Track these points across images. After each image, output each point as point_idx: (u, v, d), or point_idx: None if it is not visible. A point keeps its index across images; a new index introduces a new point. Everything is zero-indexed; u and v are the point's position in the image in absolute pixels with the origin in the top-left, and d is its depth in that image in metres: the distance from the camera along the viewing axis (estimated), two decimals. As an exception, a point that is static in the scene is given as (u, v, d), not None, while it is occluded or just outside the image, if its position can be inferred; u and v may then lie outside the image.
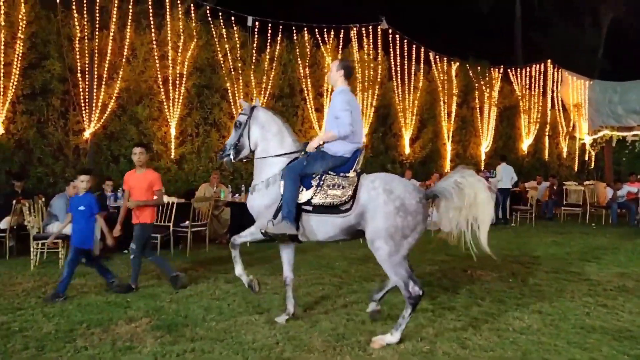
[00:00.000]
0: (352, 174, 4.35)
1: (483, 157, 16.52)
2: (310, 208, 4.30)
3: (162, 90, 10.46)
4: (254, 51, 11.93)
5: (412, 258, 7.51)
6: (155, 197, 6.01)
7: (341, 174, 4.34)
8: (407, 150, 14.42)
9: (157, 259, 6.16)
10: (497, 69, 16.91)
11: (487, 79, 16.53)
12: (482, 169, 14.66)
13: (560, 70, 18.75)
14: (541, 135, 18.39)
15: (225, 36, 11.39)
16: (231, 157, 4.62)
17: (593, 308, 5.19)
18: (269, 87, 12.04)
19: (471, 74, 16.12)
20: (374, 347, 4.03)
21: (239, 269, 4.61)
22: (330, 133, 4.43)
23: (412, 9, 19.05)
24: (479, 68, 16.31)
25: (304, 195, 4.30)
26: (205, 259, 7.74)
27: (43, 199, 7.46)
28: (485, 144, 16.54)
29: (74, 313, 4.87)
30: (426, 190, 4.42)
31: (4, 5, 8.95)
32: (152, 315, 4.80)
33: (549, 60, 18.43)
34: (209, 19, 11.26)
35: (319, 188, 4.28)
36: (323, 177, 4.31)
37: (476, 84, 16.26)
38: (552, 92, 18.67)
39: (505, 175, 12.78)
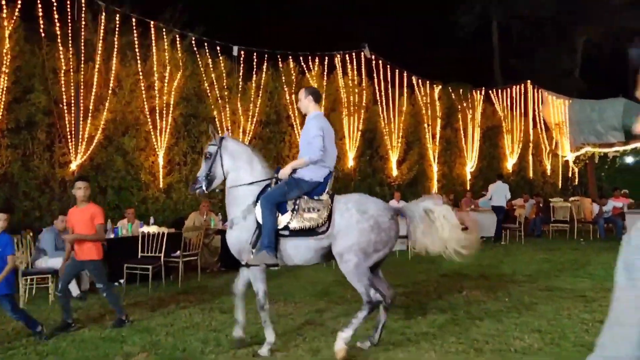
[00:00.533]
0: (325, 196, 4.49)
1: (469, 177, 16.70)
2: (287, 233, 4.38)
3: (149, 120, 10.44)
4: (239, 80, 12.02)
5: (405, 279, 7.59)
6: (96, 232, 5.62)
7: (314, 197, 4.46)
8: (395, 172, 14.51)
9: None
10: (478, 91, 17.23)
11: (469, 101, 16.82)
12: (467, 194, 14.76)
13: (540, 90, 19.17)
14: (525, 154, 18.69)
15: (211, 66, 11.47)
16: (203, 188, 4.64)
17: (591, 325, 5.20)
18: (256, 114, 12.10)
19: (453, 97, 16.39)
20: (339, 356, 4.17)
21: (271, 336, 4.49)
22: (303, 159, 4.53)
23: (394, 35, 19.41)
24: (461, 90, 16.61)
25: (281, 221, 4.37)
26: (198, 288, 7.63)
27: (31, 234, 7.33)
28: (470, 164, 16.74)
29: (68, 350, 4.74)
30: (396, 209, 4.67)
31: (-11, 40, 8.92)
32: (149, 349, 4.69)
33: (529, 82, 18.85)
34: (195, 49, 11.34)
35: (295, 212, 4.37)
36: (297, 202, 4.42)
37: (459, 106, 16.53)
38: (534, 111, 19.05)
39: (499, 193, 12.91)
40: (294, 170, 4.54)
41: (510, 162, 18.14)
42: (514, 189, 17.66)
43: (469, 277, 8.02)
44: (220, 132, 11.31)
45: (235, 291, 4.74)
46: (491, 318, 5.55)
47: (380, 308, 4.62)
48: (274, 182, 4.55)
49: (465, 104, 16.65)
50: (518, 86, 18.61)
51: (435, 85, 15.92)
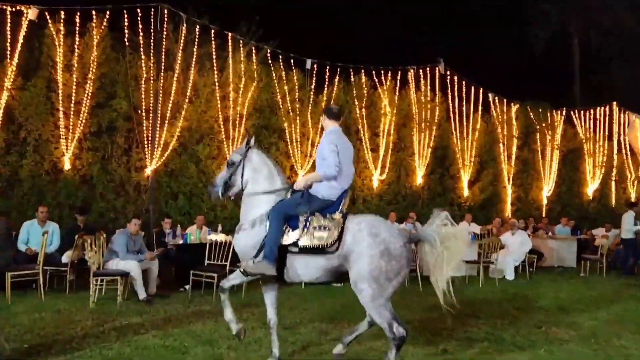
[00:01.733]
0: (337, 215, 4.37)
1: (545, 201, 15.76)
2: (296, 249, 4.27)
3: (222, 129, 10.60)
4: (311, 93, 11.99)
5: (476, 309, 7.10)
6: None
7: (327, 215, 4.35)
8: (466, 192, 13.93)
9: None
10: (559, 111, 16.31)
11: (548, 121, 15.94)
12: (543, 220, 13.90)
13: (626, 112, 17.90)
14: (607, 180, 17.45)
15: (284, 78, 11.52)
16: (219, 192, 4.61)
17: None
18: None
19: (532, 116, 15.59)
20: None
21: (228, 314, 4.55)
22: (317, 174, 4.44)
23: (469, 49, 18.82)
24: (539, 110, 15.78)
25: (291, 237, 4.28)
26: (260, 300, 7.45)
27: (104, 235, 7.53)
28: (548, 188, 15.80)
29: (131, 357, 4.73)
30: (410, 234, 4.58)
31: (79, 47, 9.39)
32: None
33: (615, 103, 17.65)
34: (269, 61, 11.44)
35: (306, 230, 4.27)
36: (309, 219, 4.31)
37: (537, 126, 15.70)
38: (619, 135, 17.79)
39: (628, 223, 11.61)
40: (309, 186, 4.47)
41: (590, 188, 16.97)
42: (595, 217, 16.58)
43: (546, 310, 7.43)
44: (289, 142, 11.37)
45: (271, 324, 4.69)
46: (576, 360, 5.04)
47: (365, 320, 4.56)
48: (289, 194, 4.50)
49: (544, 124, 15.79)
50: (602, 107, 17.46)
51: (512, 104, 15.22)
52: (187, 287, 7.83)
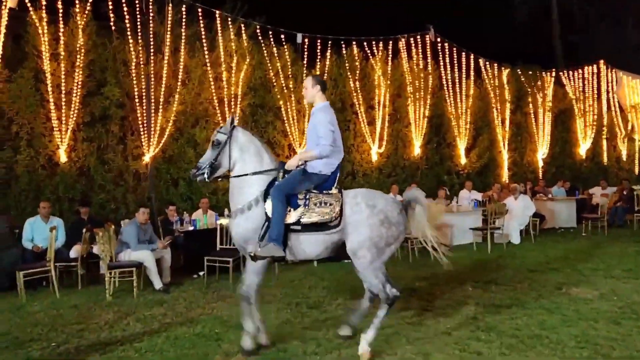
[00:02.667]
0: (334, 190, 4.43)
1: (540, 164, 15.85)
2: (299, 227, 4.28)
3: (218, 111, 10.36)
4: (304, 68, 11.76)
5: (493, 274, 7.09)
6: None
7: (324, 192, 4.39)
8: (463, 160, 13.93)
9: None
10: (548, 73, 16.29)
11: (538, 83, 15.93)
12: (540, 182, 14.01)
13: (614, 70, 17.98)
14: (598, 139, 17.59)
15: (276, 54, 11.26)
16: (206, 176, 4.42)
17: None
18: (321, 102, 11.78)
19: (523, 79, 15.56)
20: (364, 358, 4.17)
21: (248, 325, 4.42)
22: (311, 152, 4.41)
23: (455, 15, 18.62)
24: (529, 73, 15.75)
25: (292, 216, 4.26)
26: (279, 282, 7.42)
27: (113, 227, 7.35)
28: (542, 150, 15.89)
29: (165, 348, 4.65)
30: (402, 202, 4.63)
31: (63, 35, 9.03)
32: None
33: (602, 61, 17.70)
34: (260, 38, 11.15)
35: (306, 207, 4.28)
36: (308, 196, 4.33)
37: (528, 89, 15.68)
38: (607, 93, 17.89)
39: None
40: (303, 163, 4.44)
41: (583, 148, 17.11)
42: (587, 177, 16.77)
43: (560, 271, 7.51)
44: (285, 120, 11.19)
45: (248, 296, 4.50)
46: (605, 319, 5.08)
47: (365, 297, 4.64)
48: (281, 174, 4.41)
49: (535, 87, 15.78)
50: (590, 67, 17.49)
51: (503, 68, 15.15)
52: (201, 273, 7.73)
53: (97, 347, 4.77)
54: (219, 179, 4.67)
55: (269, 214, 4.23)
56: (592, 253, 9.05)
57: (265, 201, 4.28)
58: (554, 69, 16.64)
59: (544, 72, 16.17)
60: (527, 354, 4.22)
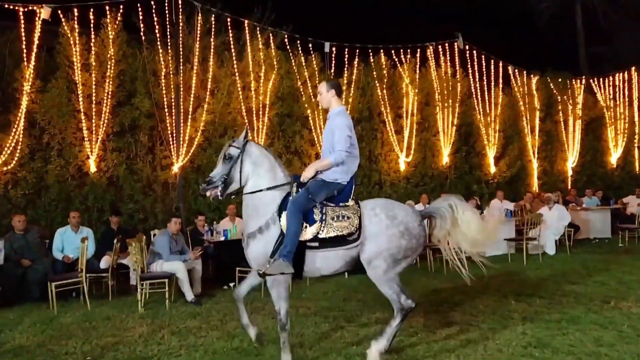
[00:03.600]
0: (351, 202, 4.29)
1: (570, 173, 15.47)
2: (317, 244, 4.11)
3: (246, 121, 10.29)
4: (331, 76, 11.65)
5: (532, 288, 6.80)
6: None
7: (340, 204, 4.23)
8: (493, 169, 13.64)
9: None
10: (578, 80, 15.95)
11: (568, 91, 15.59)
12: (571, 192, 13.66)
13: (646, 76, 17.52)
14: (630, 147, 17.11)
15: (304, 63, 11.18)
16: (219, 192, 4.24)
17: None
18: (348, 111, 11.63)
19: (552, 87, 15.24)
20: None
21: (244, 319, 4.48)
22: (326, 161, 4.25)
23: (482, 23, 18.41)
24: (559, 80, 15.42)
25: (308, 232, 4.09)
26: (311, 294, 7.24)
27: (144, 237, 7.27)
28: (572, 159, 15.50)
29: (205, 363, 4.50)
30: (422, 212, 4.51)
31: (94, 45, 9.06)
32: (290, 364, 4.35)
33: (633, 68, 17.27)
34: (287, 47, 11.09)
35: (323, 222, 4.11)
36: (324, 210, 4.16)
37: (558, 97, 15.35)
38: (639, 100, 17.43)
39: None
40: (317, 173, 4.26)
41: (614, 156, 16.66)
42: (619, 185, 16.30)
43: (605, 284, 7.20)
44: (312, 129, 11.07)
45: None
46: (665, 335, 4.79)
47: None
48: (294, 187, 4.21)
49: (565, 95, 15.44)
50: (621, 73, 17.07)
51: (532, 75, 14.86)
52: (232, 284, 7.59)
53: (134, 361, 4.64)
54: (232, 196, 4.50)
55: (284, 230, 4.06)
56: (635, 264, 8.69)
57: (280, 217, 4.10)
58: (583, 76, 16.28)
59: (573, 80, 15.83)
60: (588, 373, 3.98)
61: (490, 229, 4.51)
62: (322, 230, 4.08)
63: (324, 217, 4.11)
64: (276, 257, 4.01)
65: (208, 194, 4.29)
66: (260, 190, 4.21)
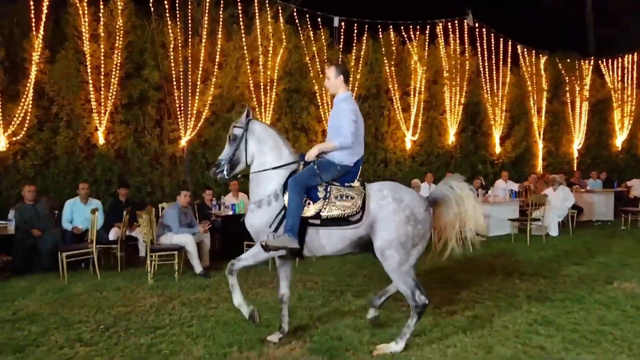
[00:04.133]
0: (357, 183, 4.26)
1: (576, 154, 15.46)
2: (318, 222, 4.12)
3: (253, 96, 10.26)
4: (340, 52, 11.58)
5: (536, 268, 6.88)
6: None
7: (346, 184, 4.22)
8: (498, 149, 13.64)
9: None
10: (587, 61, 15.81)
11: (576, 72, 15.48)
12: (576, 174, 13.74)
13: (656, 59, 17.35)
14: (635, 130, 17.04)
15: (312, 38, 11.10)
16: (225, 173, 4.28)
17: None
18: (356, 87, 11.64)
19: (560, 67, 15.13)
20: (377, 355, 4.00)
21: (238, 298, 4.27)
22: (331, 143, 4.23)
23: (494, 1, 18.13)
24: (567, 61, 15.30)
25: (311, 209, 4.10)
26: (317, 269, 7.33)
27: (154, 210, 7.34)
28: (578, 140, 15.48)
29: (217, 334, 4.60)
30: (428, 197, 4.46)
31: (103, 16, 8.99)
32: (300, 336, 4.45)
33: (644, 49, 17.09)
34: (296, 21, 10.99)
35: (327, 200, 4.11)
36: (329, 189, 4.15)
37: (566, 78, 15.25)
38: (647, 83, 17.31)
39: None
40: (322, 153, 4.26)
41: (619, 139, 16.62)
42: (623, 169, 16.31)
43: (608, 265, 7.29)
44: (318, 104, 11.03)
45: (284, 299, 4.47)
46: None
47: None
48: (301, 166, 4.24)
49: (573, 76, 15.33)
50: (630, 55, 16.89)
51: (541, 56, 14.74)
52: (239, 258, 7.67)
53: (146, 331, 4.74)
54: (239, 176, 4.52)
55: (286, 205, 4.10)
56: (637, 247, 8.78)
57: (284, 194, 4.14)
58: (592, 58, 16.14)
59: (582, 61, 15.71)
60: (593, 350, 4.07)
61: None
62: (325, 208, 4.09)
63: (327, 196, 4.12)
64: (280, 231, 4.07)
65: (219, 177, 4.35)
66: (266, 170, 4.25)
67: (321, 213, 4.09)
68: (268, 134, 4.37)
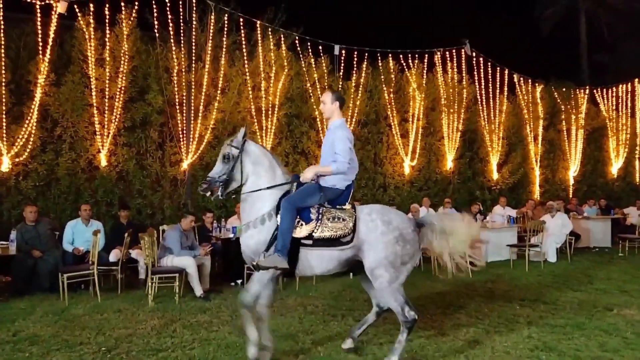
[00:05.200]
0: (348, 206, 4.39)
1: (572, 181, 15.62)
2: (310, 242, 4.20)
3: (255, 120, 10.40)
4: (340, 79, 11.79)
5: (535, 293, 6.86)
6: None
7: (337, 207, 4.34)
8: (495, 175, 13.78)
9: None
10: (582, 90, 16.11)
11: (572, 100, 15.75)
12: (573, 201, 13.88)
13: (648, 89, 17.69)
14: (631, 158, 17.28)
15: (313, 65, 11.30)
16: (219, 193, 4.30)
17: None
18: (355, 114, 11.81)
19: (556, 96, 15.40)
20: None
21: (252, 334, 4.24)
22: (328, 168, 4.34)
23: (488, 30, 18.57)
24: (563, 89, 15.59)
25: (304, 230, 4.18)
26: (317, 292, 7.35)
27: (155, 233, 7.37)
28: (574, 168, 15.66)
29: (219, 357, 4.60)
30: (415, 220, 4.65)
31: (109, 41, 9.16)
32: (303, 360, 4.47)
33: (637, 79, 17.43)
34: (298, 48, 11.20)
35: (319, 222, 4.21)
36: (321, 210, 4.26)
37: (562, 106, 15.51)
38: (641, 111, 17.61)
39: None
40: (317, 177, 4.37)
41: (615, 167, 16.82)
42: (619, 196, 16.46)
43: (607, 292, 7.32)
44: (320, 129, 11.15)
45: (258, 313, 4.38)
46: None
47: (373, 310, 4.68)
48: (294, 187, 4.33)
49: (568, 104, 15.60)
50: (625, 85, 17.24)
51: (537, 84, 15.01)
52: (239, 281, 7.70)
53: (148, 353, 4.74)
54: (232, 195, 4.57)
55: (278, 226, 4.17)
56: (636, 274, 8.83)
57: (277, 215, 4.21)
58: (587, 87, 16.45)
59: (577, 90, 16.00)
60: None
61: (469, 223, 4.59)
62: (317, 229, 4.18)
63: (320, 217, 4.21)
64: (271, 251, 4.12)
65: (208, 194, 4.36)
66: (260, 190, 4.30)
67: (313, 234, 4.18)
68: (264, 155, 4.45)
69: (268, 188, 4.30)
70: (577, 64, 24.71)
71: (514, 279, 8.40)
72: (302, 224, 4.17)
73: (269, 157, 4.46)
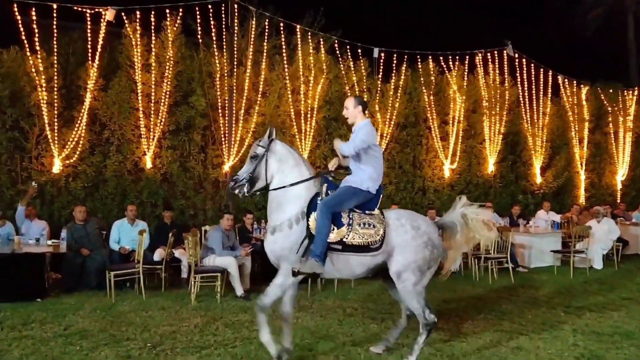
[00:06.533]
0: (377, 211, 4.41)
1: (619, 186, 15.07)
2: (340, 247, 4.21)
3: (294, 123, 10.51)
4: (379, 82, 11.77)
5: (582, 300, 6.74)
6: None
7: (367, 212, 4.36)
8: (539, 179, 13.45)
9: None
10: (631, 91, 15.53)
11: (619, 102, 15.21)
12: (620, 206, 13.43)
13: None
14: (683, 162, 16.52)
15: (352, 68, 11.33)
16: (245, 190, 4.38)
17: None
18: (394, 116, 11.76)
19: (603, 97, 14.91)
20: None
21: (265, 336, 4.33)
22: (346, 147, 4.38)
23: (532, 30, 18.17)
24: (610, 91, 15.07)
25: (335, 235, 4.19)
26: (355, 294, 7.36)
27: (198, 233, 7.55)
28: (622, 172, 15.11)
29: (261, 356, 4.70)
30: (436, 222, 4.70)
31: (155, 47, 9.45)
32: (343, 361, 4.50)
33: (690, 80, 16.69)
34: (337, 52, 11.26)
35: (350, 227, 4.22)
36: (351, 215, 4.28)
37: (608, 108, 15.01)
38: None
39: None
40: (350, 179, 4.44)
41: (666, 172, 16.11)
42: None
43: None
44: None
45: (283, 313, 4.53)
46: None
47: (403, 315, 4.75)
48: (324, 189, 4.29)
49: (615, 106, 15.07)
50: (676, 85, 16.51)
51: (582, 86, 14.57)
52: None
53: (192, 350, 4.87)
54: (258, 193, 4.62)
55: (312, 230, 4.16)
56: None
57: (308, 218, 4.21)
58: (636, 87, 15.83)
59: (625, 91, 15.44)
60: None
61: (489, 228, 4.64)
62: (348, 235, 4.19)
63: (351, 222, 4.22)
64: (308, 256, 4.13)
65: (236, 192, 4.45)
66: (284, 187, 4.33)
67: (344, 239, 4.19)
68: (289, 153, 4.47)
69: (292, 185, 4.33)
70: (625, 64, 23.82)
71: (558, 285, 8.20)
72: (333, 229, 4.18)
73: (295, 155, 4.49)
